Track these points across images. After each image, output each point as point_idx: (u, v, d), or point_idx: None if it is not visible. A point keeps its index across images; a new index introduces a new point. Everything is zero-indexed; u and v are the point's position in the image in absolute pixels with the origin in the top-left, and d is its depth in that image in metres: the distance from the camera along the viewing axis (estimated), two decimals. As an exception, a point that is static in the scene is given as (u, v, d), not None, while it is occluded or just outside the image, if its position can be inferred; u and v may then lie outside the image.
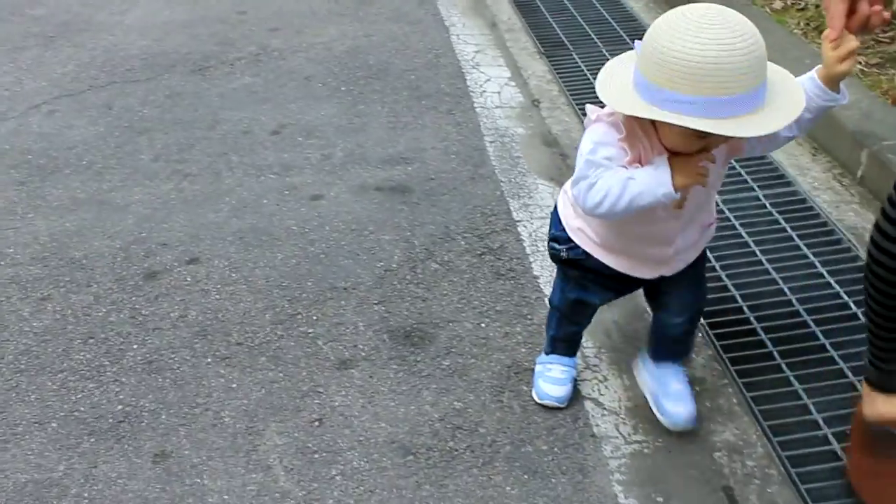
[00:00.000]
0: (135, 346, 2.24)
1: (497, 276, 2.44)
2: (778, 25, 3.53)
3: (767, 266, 2.40)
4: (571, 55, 3.72)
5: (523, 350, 2.18)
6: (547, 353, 2.06)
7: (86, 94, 3.56)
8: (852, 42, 1.54)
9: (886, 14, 1.55)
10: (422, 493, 1.83)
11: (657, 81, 1.45)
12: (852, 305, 2.24)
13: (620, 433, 1.95)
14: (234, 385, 2.12)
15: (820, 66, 1.60)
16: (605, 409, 2.01)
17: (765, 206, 2.65)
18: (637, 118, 1.54)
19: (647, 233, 1.73)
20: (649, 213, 1.63)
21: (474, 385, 2.09)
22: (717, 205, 2.23)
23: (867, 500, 1.75)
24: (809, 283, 2.33)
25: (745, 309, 2.26)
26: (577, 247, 1.81)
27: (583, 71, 3.56)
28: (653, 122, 1.54)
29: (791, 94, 1.50)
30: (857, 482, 1.77)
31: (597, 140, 1.59)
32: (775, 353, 2.11)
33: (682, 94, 1.42)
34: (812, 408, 1.96)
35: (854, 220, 2.59)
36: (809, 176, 2.81)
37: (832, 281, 2.33)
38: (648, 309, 2.08)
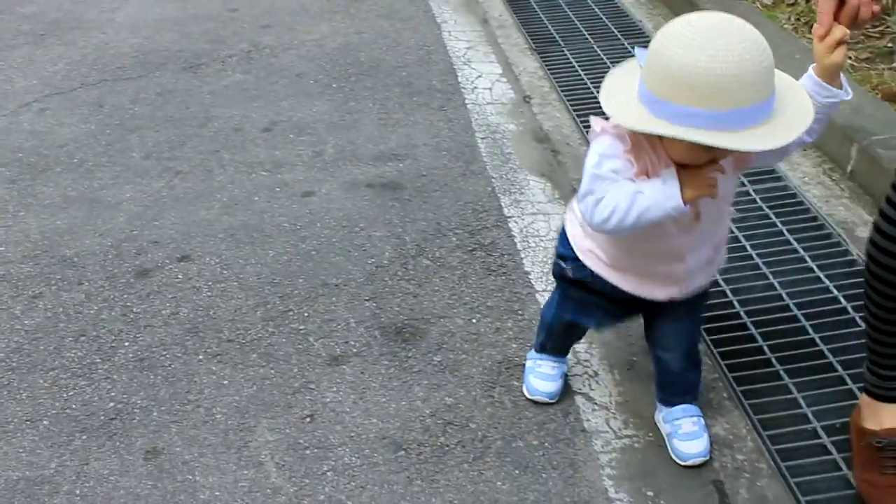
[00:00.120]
0: (126, 344, 2.24)
1: (488, 272, 2.44)
2: (768, 20, 3.54)
3: (757, 261, 2.41)
4: (563, 52, 3.71)
5: (514, 345, 2.18)
6: (537, 351, 2.06)
7: (77, 92, 3.55)
8: (840, 30, 1.52)
9: (876, 8, 1.53)
10: (413, 489, 1.83)
11: (664, 94, 1.41)
12: (842, 300, 2.25)
13: (611, 428, 1.95)
14: (225, 382, 2.12)
15: (815, 64, 1.58)
16: (595, 404, 2.02)
17: (755, 201, 2.66)
18: None
19: (657, 249, 1.68)
20: (659, 228, 1.59)
21: (465, 380, 2.09)
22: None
23: None
24: (799, 278, 2.34)
25: (735, 303, 2.26)
26: (584, 267, 1.77)
27: (574, 67, 3.54)
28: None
29: (800, 104, 1.47)
30: (867, 494, 1.72)
31: (602, 152, 1.55)
32: (765, 348, 2.12)
33: (691, 107, 1.38)
34: (802, 402, 1.97)
35: (844, 214, 2.60)
36: (799, 170, 2.82)
37: (822, 276, 2.34)
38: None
